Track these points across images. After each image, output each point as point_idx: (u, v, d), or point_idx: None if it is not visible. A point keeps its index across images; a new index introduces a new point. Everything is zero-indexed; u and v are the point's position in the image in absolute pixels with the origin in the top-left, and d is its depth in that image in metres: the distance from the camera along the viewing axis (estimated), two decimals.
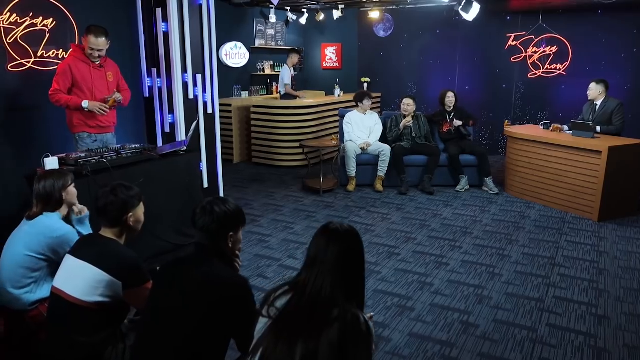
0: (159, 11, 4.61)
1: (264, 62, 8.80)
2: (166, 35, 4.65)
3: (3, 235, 3.82)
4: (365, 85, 9.02)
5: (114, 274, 1.99)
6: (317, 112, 7.37)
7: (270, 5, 8.18)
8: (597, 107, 5.41)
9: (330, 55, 9.64)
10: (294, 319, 1.47)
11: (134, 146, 3.57)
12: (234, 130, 7.61)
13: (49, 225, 2.44)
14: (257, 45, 8.55)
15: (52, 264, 2.42)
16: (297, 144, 7.19)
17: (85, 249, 2.08)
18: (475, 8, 6.84)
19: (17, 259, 2.37)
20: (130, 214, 2.16)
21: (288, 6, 8.47)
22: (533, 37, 7.62)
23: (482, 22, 7.43)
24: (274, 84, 8.93)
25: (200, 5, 4.86)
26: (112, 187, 2.15)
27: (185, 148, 3.91)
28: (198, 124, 4.15)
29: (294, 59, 7.82)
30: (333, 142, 6.13)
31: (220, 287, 1.72)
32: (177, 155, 3.82)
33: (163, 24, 4.63)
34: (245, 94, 8.28)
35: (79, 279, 2.00)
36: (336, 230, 1.57)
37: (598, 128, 5.23)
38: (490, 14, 7.60)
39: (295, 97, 7.69)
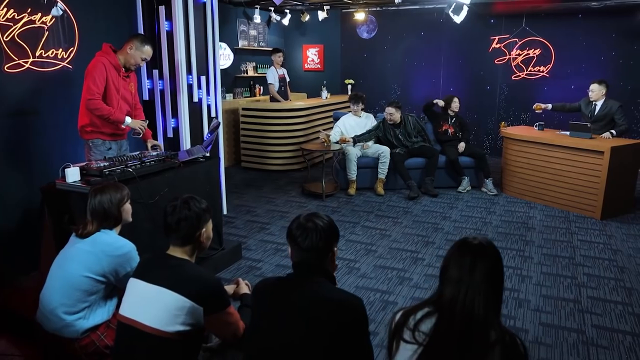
0: (161, 9, 4.34)
1: (247, 63, 8.56)
2: (169, 34, 4.39)
3: (6, 249, 3.51)
4: (350, 87, 8.96)
5: (196, 299, 1.78)
6: (308, 114, 7.22)
7: (256, 6, 7.98)
8: (598, 107, 5.57)
9: (312, 56, 9.51)
10: (450, 345, 1.35)
11: (155, 153, 3.32)
12: (222, 134, 7.33)
13: (111, 242, 2.19)
14: (240, 46, 8.30)
15: (108, 287, 2.18)
16: (288, 148, 7.03)
17: (157, 272, 1.86)
18: (465, 11, 6.95)
19: (73, 281, 2.12)
20: (203, 229, 1.96)
21: (271, 7, 8.28)
22: (517, 40, 7.81)
23: (467, 24, 7.53)
24: (257, 85, 8.70)
25: (204, 4, 4.62)
26: (184, 200, 1.94)
27: (204, 155, 3.67)
28: (217, 127, 3.91)
29: (277, 58, 7.55)
30: (325, 144, 5.92)
31: (340, 310, 1.57)
32: (197, 163, 3.58)
33: (166, 22, 4.37)
34: (229, 96, 8.01)
35: (157, 307, 1.78)
36: (481, 245, 1.46)
37: (613, 132, 5.35)
38: (475, 17, 7.71)
39: (279, 101, 7.45)
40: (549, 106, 5.96)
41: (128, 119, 3.46)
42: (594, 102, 5.59)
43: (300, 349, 1.54)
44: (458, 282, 1.42)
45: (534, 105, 5.98)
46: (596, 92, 5.51)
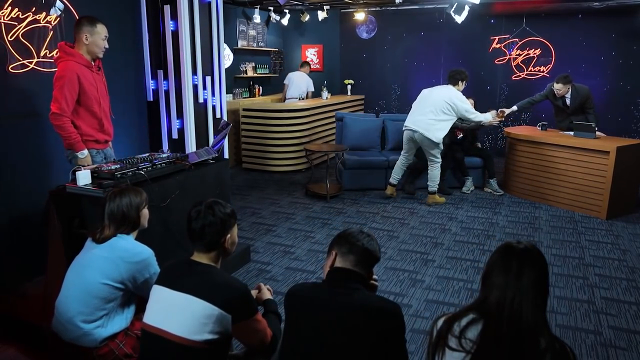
0: (167, 8, 4.26)
1: (247, 63, 8.50)
2: (175, 34, 4.32)
3: (8, 254, 3.42)
4: (349, 87, 8.92)
5: (224, 306, 1.73)
6: (310, 114, 7.17)
7: (252, 6, 7.92)
8: (568, 99, 5.64)
9: (311, 56, 9.45)
10: (499, 352, 1.31)
11: (165, 155, 3.25)
12: None
13: (129, 248, 2.13)
14: (239, 46, 8.23)
15: (126, 294, 2.12)
16: (290, 149, 6.98)
17: (183, 279, 1.80)
18: (466, 11, 6.94)
19: (90, 288, 2.05)
20: (228, 235, 1.91)
21: (271, 6, 8.23)
22: (517, 40, 7.82)
23: (467, 25, 7.52)
24: (257, 86, 8.65)
25: (209, 4, 4.56)
26: (208, 204, 1.89)
27: (214, 156, 3.61)
28: (226, 127, 3.86)
29: (307, 69, 8.33)
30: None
31: (381, 318, 1.53)
32: (206, 165, 3.52)
33: (172, 22, 4.30)
34: (229, 97, 7.94)
35: (184, 315, 1.73)
36: (527, 250, 1.43)
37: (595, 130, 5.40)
38: (475, 17, 7.70)
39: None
40: (514, 108, 6.06)
41: (85, 152, 3.16)
42: (564, 97, 5.66)
43: (340, 356, 1.50)
44: (504, 287, 1.39)
45: (499, 111, 5.97)
46: (562, 89, 5.58)
